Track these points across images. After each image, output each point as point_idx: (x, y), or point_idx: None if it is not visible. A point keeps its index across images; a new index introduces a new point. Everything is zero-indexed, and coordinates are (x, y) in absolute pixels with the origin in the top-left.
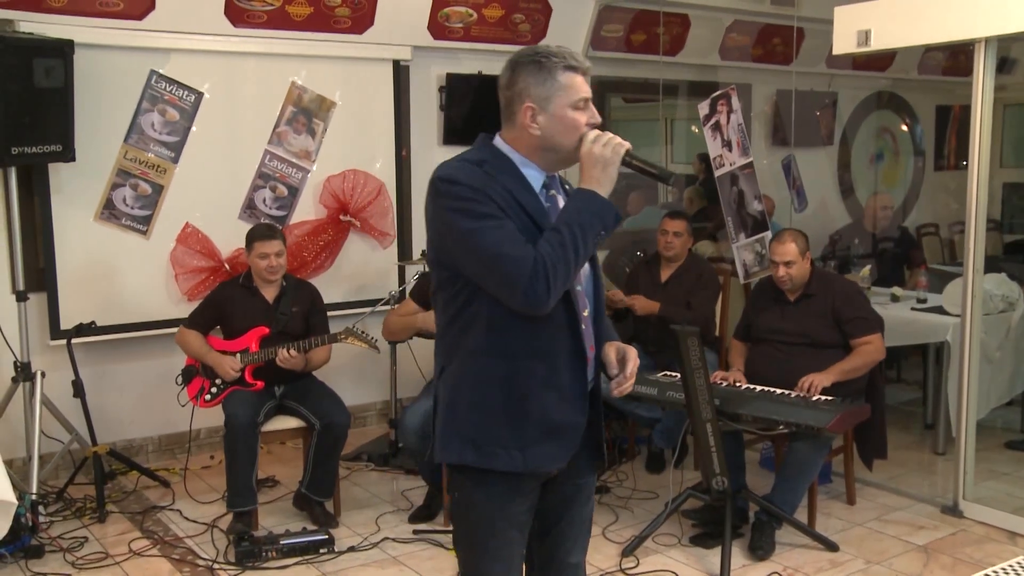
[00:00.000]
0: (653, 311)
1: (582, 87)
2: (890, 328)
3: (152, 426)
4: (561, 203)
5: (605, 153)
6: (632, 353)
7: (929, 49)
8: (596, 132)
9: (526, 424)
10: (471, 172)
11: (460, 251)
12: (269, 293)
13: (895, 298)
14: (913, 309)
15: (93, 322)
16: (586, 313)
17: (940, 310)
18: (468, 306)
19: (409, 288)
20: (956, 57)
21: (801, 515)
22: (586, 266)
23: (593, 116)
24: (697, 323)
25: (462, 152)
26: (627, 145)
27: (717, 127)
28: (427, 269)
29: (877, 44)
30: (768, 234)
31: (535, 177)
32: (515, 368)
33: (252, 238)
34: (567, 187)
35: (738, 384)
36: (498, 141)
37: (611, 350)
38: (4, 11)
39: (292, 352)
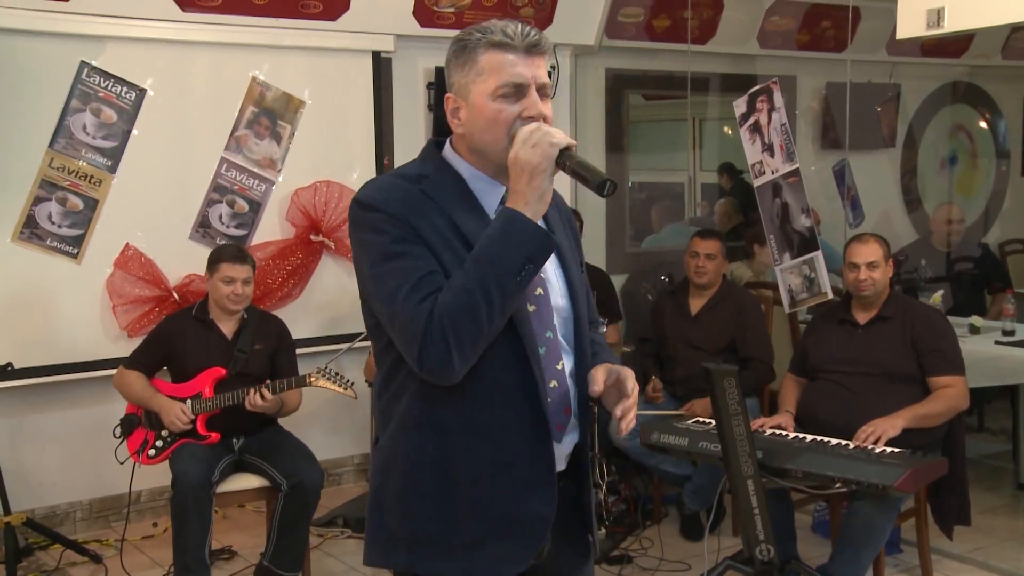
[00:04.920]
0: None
1: (509, 69)
2: (969, 365)
3: (82, 489)
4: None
5: (531, 157)
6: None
7: (1016, 29)
8: (529, 128)
9: (468, 519)
10: (399, 193)
11: (370, 296)
12: (227, 327)
13: (975, 329)
14: (998, 343)
15: (10, 364)
16: (560, 367)
17: None
18: (400, 365)
19: None
20: None
21: None
22: (565, 304)
23: (531, 107)
24: (764, 378)
25: (404, 164)
26: (563, 142)
27: (756, 128)
28: None
29: (952, 25)
30: (819, 254)
31: (489, 193)
32: (451, 447)
33: (218, 258)
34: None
35: (783, 432)
36: (447, 149)
37: (599, 371)
38: None
39: (266, 394)
